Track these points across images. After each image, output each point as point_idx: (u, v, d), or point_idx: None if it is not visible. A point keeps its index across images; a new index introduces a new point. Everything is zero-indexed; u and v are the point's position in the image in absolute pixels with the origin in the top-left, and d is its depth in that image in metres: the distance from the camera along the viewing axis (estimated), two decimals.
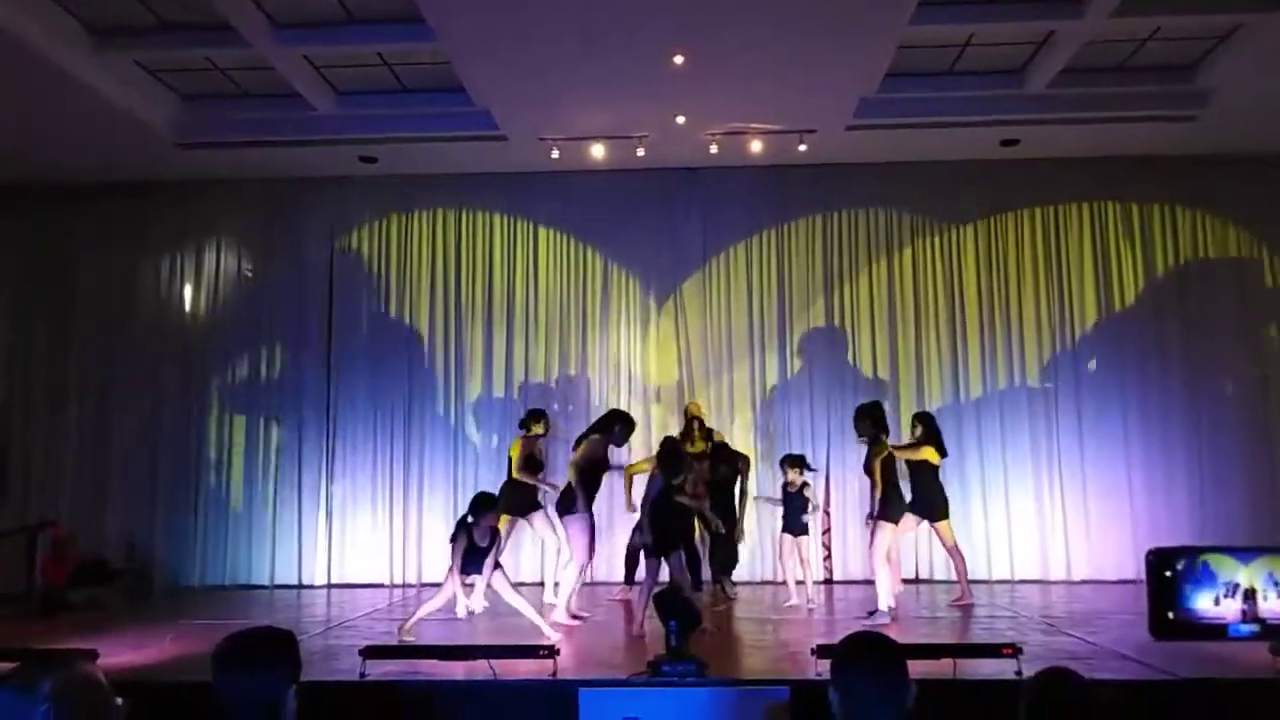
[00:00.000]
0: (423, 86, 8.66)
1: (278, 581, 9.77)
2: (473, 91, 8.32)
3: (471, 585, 6.60)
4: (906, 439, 8.03)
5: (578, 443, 7.56)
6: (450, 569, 6.47)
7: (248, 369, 10.14)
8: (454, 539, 6.47)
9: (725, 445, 8.53)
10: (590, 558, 7.36)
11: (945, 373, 9.85)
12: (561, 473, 8.20)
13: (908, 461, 7.73)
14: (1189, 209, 9.79)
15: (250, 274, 10.31)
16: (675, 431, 8.87)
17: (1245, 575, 0.91)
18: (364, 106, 8.85)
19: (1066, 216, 9.92)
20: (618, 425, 7.58)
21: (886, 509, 7.14)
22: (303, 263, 10.23)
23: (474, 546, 6.39)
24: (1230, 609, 0.94)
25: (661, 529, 6.89)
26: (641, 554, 7.35)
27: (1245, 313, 9.69)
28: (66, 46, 7.43)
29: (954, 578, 8.18)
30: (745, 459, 8.58)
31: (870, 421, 7.34)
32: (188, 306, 10.28)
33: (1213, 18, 7.42)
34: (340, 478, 9.97)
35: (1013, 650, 4.90)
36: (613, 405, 9.87)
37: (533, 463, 8.06)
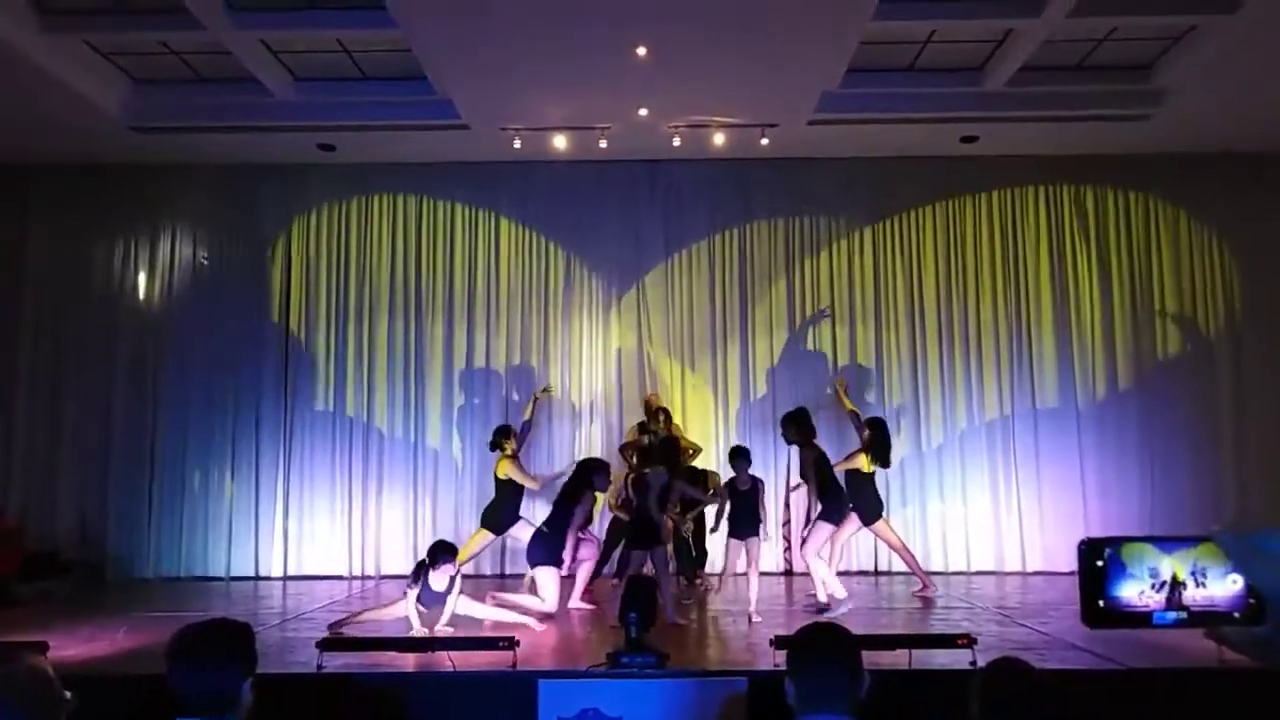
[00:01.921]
0: (383, 74, 8.58)
1: (234, 573, 9.65)
2: (434, 80, 8.25)
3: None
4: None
5: (565, 503, 7.34)
6: (406, 592, 6.38)
7: (203, 358, 9.97)
8: (411, 582, 6.38)
9: (693, 468, 8.52)
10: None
11: (904, 366, 9.94)
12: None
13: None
14: (1143, 208, 9.96)
15: (205, 261, 10.14)
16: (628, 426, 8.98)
17: (1169, 565, 0.93)
18: (323, 93, 8.74)
19: (1024, 212, 10.05)
20: (595, 477, 7.43)
21: (828, 511, 7.17)
22: (259, 251, 10.09)
23: (430, 592, 6.32)
24: (1155, 597, 0.97)
25: (646, 523, 6.89)
26: (622, 547, 7.36)
27: (1198, 313, 9.87)
28: (14, 25, 7.25)
29: (910, 571, 8.29)
30: (715, 475, 8.64)
31: (795, 428, 7.36)
32: (141, 293, 10.10)
33: (1168, 19, 7.54)
34: (297, 467, 9.86)
35: (967, 641, 4.97)
36: (573, 397, 9.91)
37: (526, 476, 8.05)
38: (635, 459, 8.22)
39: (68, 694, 2.05)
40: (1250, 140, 9.41)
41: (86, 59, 8.10)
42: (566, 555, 7.23)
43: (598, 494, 7.73)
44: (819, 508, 7.21)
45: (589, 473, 7.49)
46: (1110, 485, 9.68)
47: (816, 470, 7.22)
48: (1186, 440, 9.66)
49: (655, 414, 8.81)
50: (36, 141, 9.26)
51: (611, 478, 8.78)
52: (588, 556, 7.66)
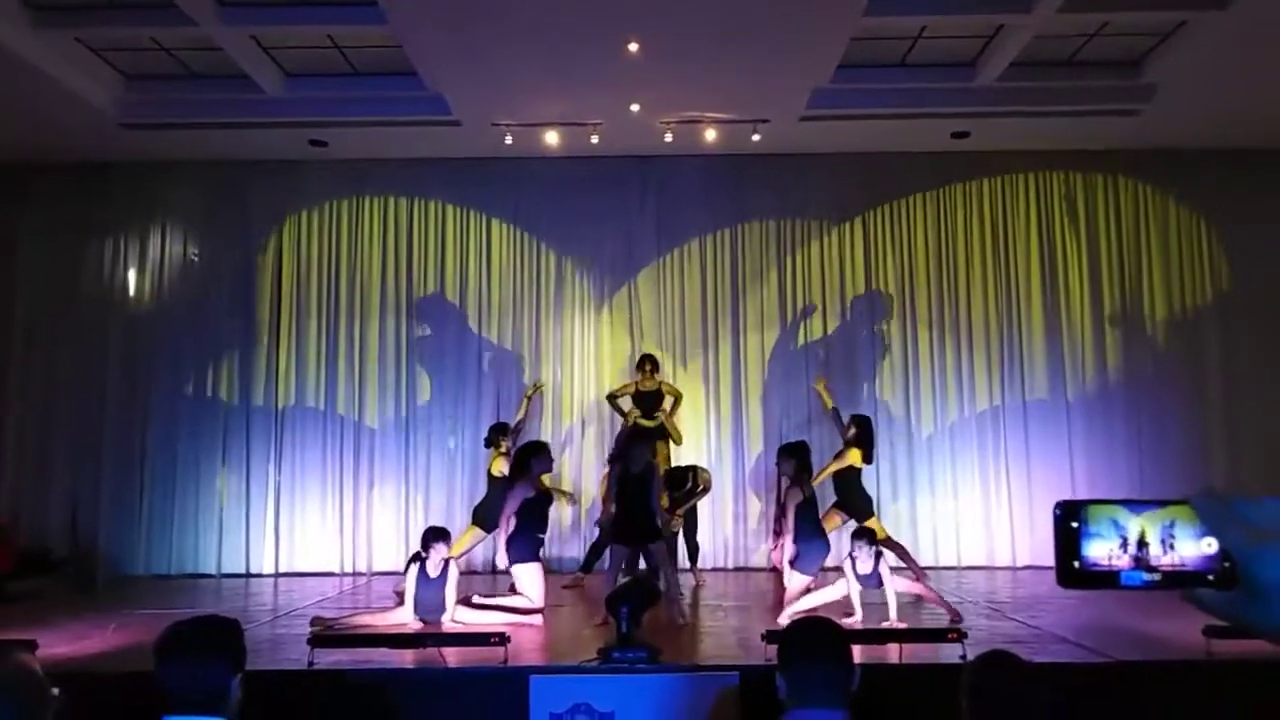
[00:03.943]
0: (374, 70, 8.55)
1: (225, 570, 9.63)
2: (425, 76, 8.23)
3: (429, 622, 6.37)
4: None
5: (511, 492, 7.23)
6: (400, 597, 6.37)
7: (193, 354, 9.95)
8: (406, 571, 6.39)
9: (678, 467, 8.59)
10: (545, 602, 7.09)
11: (895, 359, 9.96)
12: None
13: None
14: (1133, 202, 9.99)
15: (196, 257, 10.12)
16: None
17: (1137, 524, 0.93)
18: (313, 89, 8.70)
19: (1014, 207, 10.06)
20: (533, 459, 7.19)
21: (800, 560, 6.93)
22: (250, 248, 10.06)
23: (426, 578, 6.32)
24: (1123, 556, 0.97)
25: (624, 515, 6.83)
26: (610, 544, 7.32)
27: (1185, 307, 9.91)
28: (3, 21, 7.20)
29: (902, 565, 8.30)
30: (704, 472, 8.67)
31: (795, 462, 7.14)
32: (132, 290, 10.07)
33: (1158, 14, 7.56)
34: (289, 464, 9.85)
35: (957, 635, 5.00)
36: (566, 392, 9.91)
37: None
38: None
39: (55, 690, 2.04)
40: (1239, 135, 9.43)
41: (77, 55, 8.06)
42: (500, 539, 6.94)
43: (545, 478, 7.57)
44: (793, 550, 6.96)
45: (524, 456, 7.26)
46: (1100, 477, 9.70)
47: (800, 513, 6.97)
48: (1177, 431, 9.69)
49: (641, 364, 8.97)
50: (27, 139, 9.20)
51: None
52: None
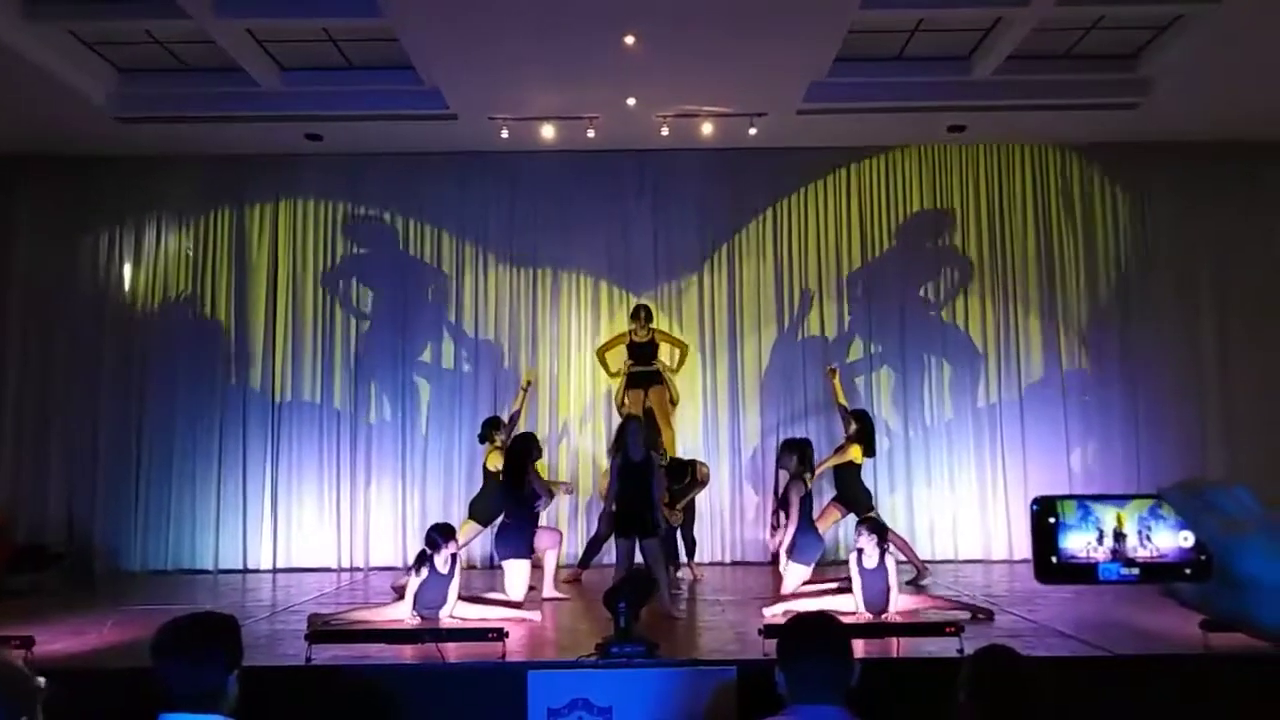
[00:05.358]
0: (370, 63, 8.52)
1: (222, 566, 9.61)
2: (421, 69, 8.20)
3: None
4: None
5: (513, 489, 7.30)
6: (398, 593, 6.36)
7: (189, 349, 9.92)
8: (415, 570, 6.35)
9: (677, 460, 8.56)
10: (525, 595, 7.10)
11: (893, 353, 9.95)
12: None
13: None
14: (1129, 194, 9.98)
15: (191, 251, 10.09)
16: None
17: (1112, 516, 0.92)
18: (309, 83, 8.66)
19: (1011, 201, 10.06)
20: (534, 447, 7.38)
21: (798, 551, 7.02)
22: (245, 242, 10.03)
23: (436, 575, 6.29)
24: (1101, 550, 0.96)
25: (623, 506, 6.81)
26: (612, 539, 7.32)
27: (1182, 299, 9.91)
28: None
29: (903, 559, 8.31)
30: (703, 466, 8.63)
31: (797, 458, 7.23)
32: (128, 285, 10.04)
33: (1154, 8, 7.56)
34: (285, 459, 9.83)
35: (954, 629, 5.00)
36: (563, 386, 9.90)
37: None
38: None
39: (40, 680, 2.02)
40: (1236, 128, 9.40)
41: (71, 49, 8.01)
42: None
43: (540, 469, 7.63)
44: (792, 548, 7.07)
45: (526, 446, 7.36)
46: (1096, 470, 9.71)
47: (801, 506, 7.10)
48: (1175, 423, 9.67)
49: (636, 314, 8.87)
50: (20, 132, 9.17)
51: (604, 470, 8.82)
52: (550, 545, 7.63)
